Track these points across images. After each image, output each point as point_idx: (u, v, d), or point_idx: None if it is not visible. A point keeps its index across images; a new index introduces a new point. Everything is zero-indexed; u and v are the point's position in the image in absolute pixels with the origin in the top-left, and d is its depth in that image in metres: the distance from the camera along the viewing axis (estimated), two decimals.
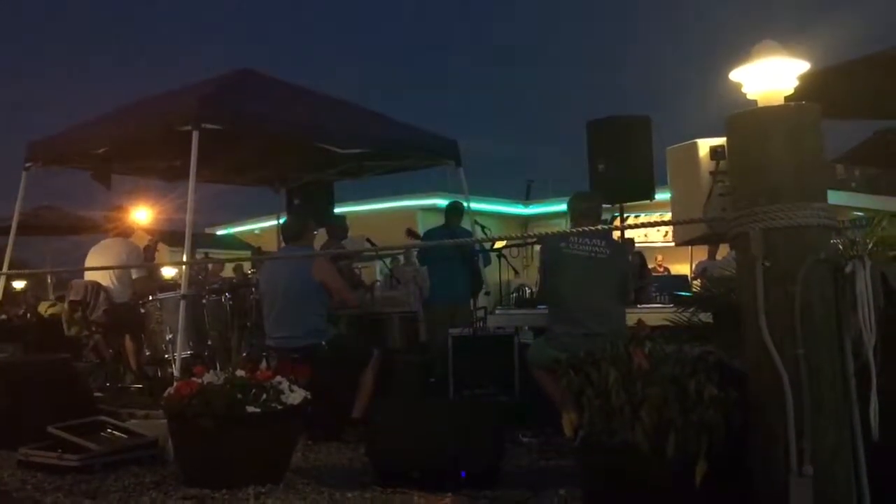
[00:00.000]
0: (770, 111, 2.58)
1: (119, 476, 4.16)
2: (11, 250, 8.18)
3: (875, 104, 6.11)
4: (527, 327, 6.20)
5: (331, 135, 6.87)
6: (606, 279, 4.80)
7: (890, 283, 2.61)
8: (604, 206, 5.82)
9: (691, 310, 3.79)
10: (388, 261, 10.14)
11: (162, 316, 6.55)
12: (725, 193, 2.96)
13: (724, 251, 10.29)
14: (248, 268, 9.36)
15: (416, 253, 9.79)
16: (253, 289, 6.75)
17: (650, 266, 12.71)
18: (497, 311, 6.25)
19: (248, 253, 17.11)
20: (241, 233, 26.06)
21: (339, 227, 8.14)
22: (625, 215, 7.46)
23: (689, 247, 11.23)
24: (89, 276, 6.76)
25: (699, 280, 9.16)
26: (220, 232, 26.94)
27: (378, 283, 9.25)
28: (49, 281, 13.84)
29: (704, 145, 3.24)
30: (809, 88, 2.77)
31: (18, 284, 14.27)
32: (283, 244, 5.93)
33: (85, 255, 7.20)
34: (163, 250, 16.96)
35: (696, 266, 11.90)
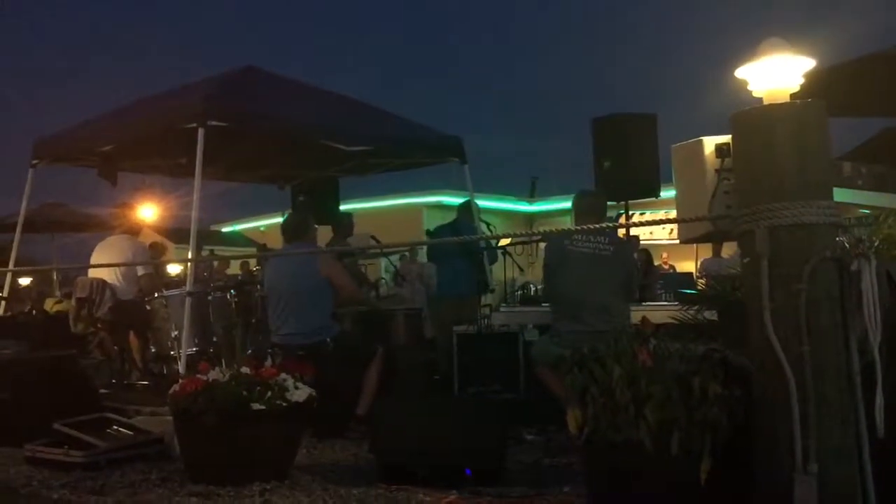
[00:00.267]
0: (776, 109, 2.57)
1: (125, 472, 4.17)
2: (17, 247, 8.21)
3: (882, 101, 6.09)
4: (531, 325, 6.20)
5: (336, 132, 6.88)
6: (610, 276, 4.80)
7: None
8: (609, 203, 5.82)
9: (696, 307, 3.79)
10: (392, 258, 10.14)
11: (167, 313, 6.56)
12: (731, 191, 2.96)
13: (728, 249, 10.27)
14: (253, 265, 9.37)
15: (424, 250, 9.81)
16: (258, 286, 6.77)
17: (655, 264, 12.71)
18: (502, 309, 6.25)
19: (253, 250, 17.14)
20: (247, 230, 26.10)
21: (345, 223, 8.15)
22: (630, 213, 7.44)
23: (695, 244, 11.21)
24: (95, 273, 6.78)
25: (704, 278, 9.14)
26: (225, 229, 26.99)
27: (383, 281, 9.27)
28: (55, 278, 13.87)
29: (710, 143, 3.24)
30: (815, 86, 2.77)
31: (24, 281, 14.32)
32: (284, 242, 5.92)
33: (91, 253, 7.22)
34: (168, 247, 17.01)
35: (701, 264, 11.89)
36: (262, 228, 23.41)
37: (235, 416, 3.87)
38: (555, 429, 4.83)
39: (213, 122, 5.83)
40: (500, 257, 7.91)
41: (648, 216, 11.02)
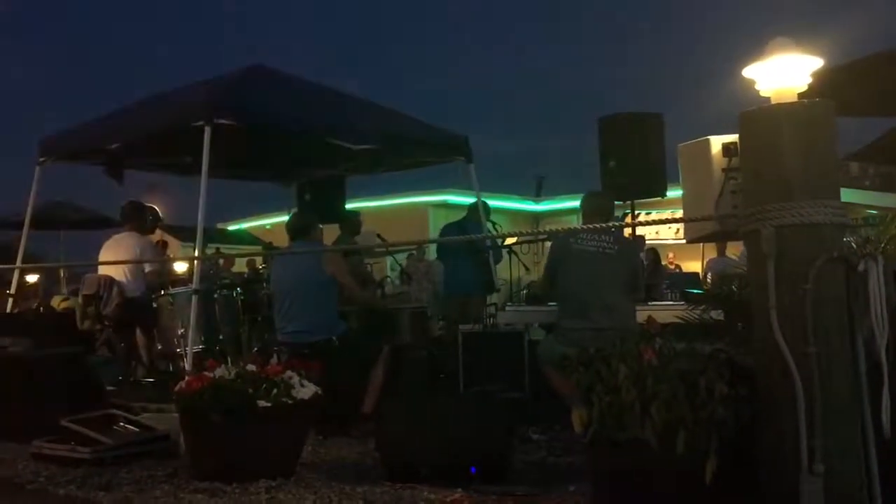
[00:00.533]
0: (783, 108, 2.57)
1: (131, 469, 4.18)
2: (25, 244, 8.24)
3: (890, 101, 6.07)
4: (537, 324, 6.20)
5: (342, 130, 6.88)
6: (614, 274, 4.81)
7: None
8: (616, 202, 5.81)
9: (702, 307, 3.78)
10: (398, 256, 10.15)
11: (174, 310, 6.58)
12: (737, 190, 2.96)
13: (733, 249, 10.25)
14: (259, 263, 9.39)
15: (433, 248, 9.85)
16: (264, 284, 6.78)
17: (662, 263, 12.69)
18: (507, 308, 6.24)
19: (259, 248, 17.16)
20: (253, 228, 26.15)
21: (353, 222, 8.16)
22: (636, 212, 7.43)
23: (701, 244, 11.19)
24: (102, 270, 6.79)
25: (710, 277, 9.12)
26: (231, 227, 27.03)
27: (388, 279, 9.27)
28: (62, 275, 13.90)
29: (717, 142, 3.24)
30: (823, 85, 2.77)
31: (32, 278, 14.36)
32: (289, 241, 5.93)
33: (97, 250, 7.24)
34: (175, 245, 17.04)
35: (707, 264, 11.87)
36: (267, 226, 23.44)
37: (241, 414, 3.88)
38: (560, 428, 4.83)
39: (220, 121, 5.84)
40: (506, 256, 7.92)
41: (654, 216, 11.00)
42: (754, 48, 2.68)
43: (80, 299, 6.83)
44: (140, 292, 6.73)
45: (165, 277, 7.41)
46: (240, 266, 12.28)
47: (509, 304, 6.50)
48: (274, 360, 4.53)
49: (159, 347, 6.86)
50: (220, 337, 6.52)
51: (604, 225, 4.85)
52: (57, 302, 9.75)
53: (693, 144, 3.40)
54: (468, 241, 7.61)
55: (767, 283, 2.41)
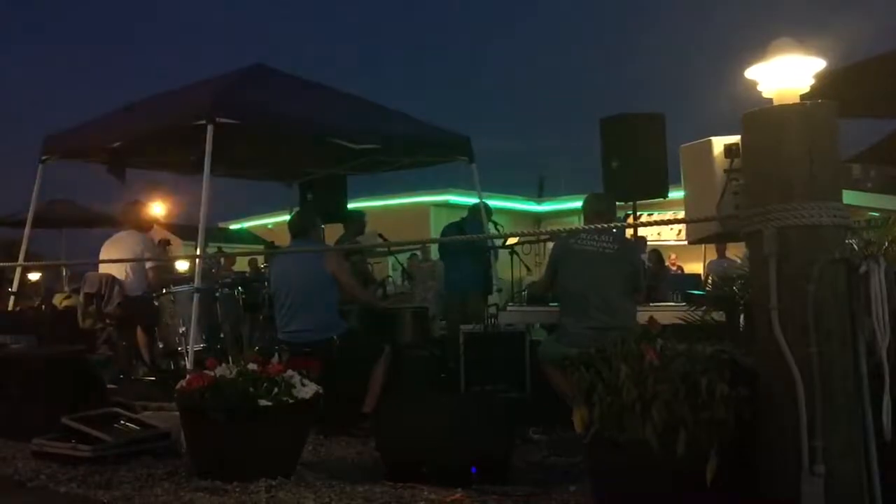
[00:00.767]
0: (785, 109, 2.57)
1: (132, 467, 4.18)
2: (27, 242, 8.25)
3: (893, 103, 6.06)
4: (538, 324, 6.20)
5: (344, 130, 6.88)
6: (615, 274, 4.83)
7: None
8: (617, 203, 5.81)
9: (703, 308, 3.78)
10: (400, 256, 10.15)
11: (175, 309, 6.58)
12: (739, 191, 2.96)
13: (734, 250, 10.23)
14: (261, 262, 9.40)
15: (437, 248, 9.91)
16: (266, 283, 6.78)
17: (665, 264, 12.69)
18: (509, 308, 6.24)
19: (261, 247, 17.17)
20: (254, 227, 26.18)
21: (356, 221, 8.17)
22: (638, 213, 7.43)
23: (702, 245, 11.19)
24: (104, 268, 6.80)
25: (710, 278, 9.09)
26: (233, 226, 27.07)
27: (390, 279, 9.28)
28: (64, 273, 13.91)
29: (719, 143, 3.24)
30: (825, 87, 2.76)
31: (34, 276, 14.37)
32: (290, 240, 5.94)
33: (99, 248, 7.25)
34: (176, 244, 17.05)
35: (708, 265, 11.87)
36: (269, 226, 23.47)
37: (242, 413, 3.88)
38: (561, 428, 4.83)
39: (222, 119, 5.84)
40: (508, 257, 7.93)
41: (656, 217, 11.01)
42: (757, 49, 2.68)
43: (81, 298, 6.83)
44: (141, 291, 6.74)
45: (167, 276, 7.42)
46: (241, 265, 12.29)
47: (511, 304, 6.50)
48: (275, 359, 4.53)
49: (160, 346, 6.86)
50: (222, 336, 6.52)
51: (605, 225, 4.87)
52: (59, 300, 9.75)
53: (695, 145, 3.40)
54: (467, 242, 7.63)
55: (769, 284, 2.41)
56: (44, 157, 7.59)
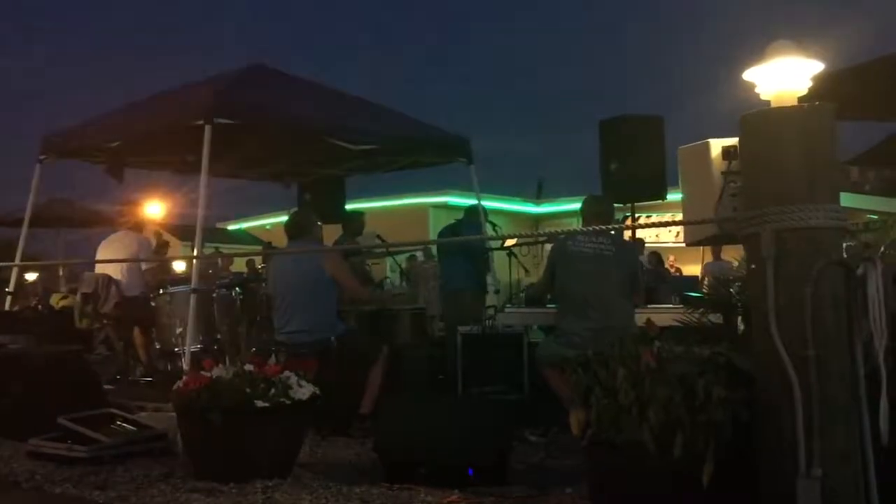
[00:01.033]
0: (783, 112, 2.57)
1: (128, 468, 4.17)
2: (24, 242, 8.24)
3: (890, 106, 6.07)
4: (536, 326, 6.20)
5: (343, 130, 6.88)
6: (612, 275, 4.84)
7: None
8: (615, 205, 5.82)
9: (701, 310, 3.77)
10: (398, 257, 10.16)
11: (172, 309, 6.58)
12: (737, 193, 2.95)
13: (733, 253, 10.23)
14: (258, 263, 9.40)
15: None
16: (263, 283, 6.78)
17: (665, 266, 12.70)
18: (507, 310, 6.24)
19: (258, 248, 17.16)
20: (252, 228, 26.16)
21: (355, 222, 8.17)
22: (636, 215, 7.43)
23: (701, 247, 11.20)
24: (101, 268, 6.80)
25: (706, 280, 9.10)
26: (231, 227, 27.05)
27: (388, 280, 9.28)
28: (61, 273, 13.91)
29: (717, 145, 3.23)
30: (824, 89, 2.76)
31: (31, 276, 14.36)
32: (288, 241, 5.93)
33: (97, 248, 7.24)
34: (174, 244, 17.04)
35: (703, 267, 11.89)
36: (267, 226, 23.45)
37: (239, 414, 3.87)
38: (558, 429, 4.83)
39: (221, 120, 5.84)
40: (506, 258, 7.94)
41: (655, 218, 11.02)
42: (756, 51, 2.67)
43: (78, 298, 6.83)
44: (138, 291, 6.74)
45: (164, 276, 7.42)
46: (239, 266, 12.29)
47: (509, 305, 6.50)
48: (272, 359, 4.53)
49: (157, 346, 6.86)
50: (219, 336, 6.52)
51: (603, 227, 4.88)
52: (56, 300, 9.75)
53: (693, 147, 3.40)
54: (462, 243, 7.65)
55: (766, 286, 2.40)
56: (42, 157, 7.58)
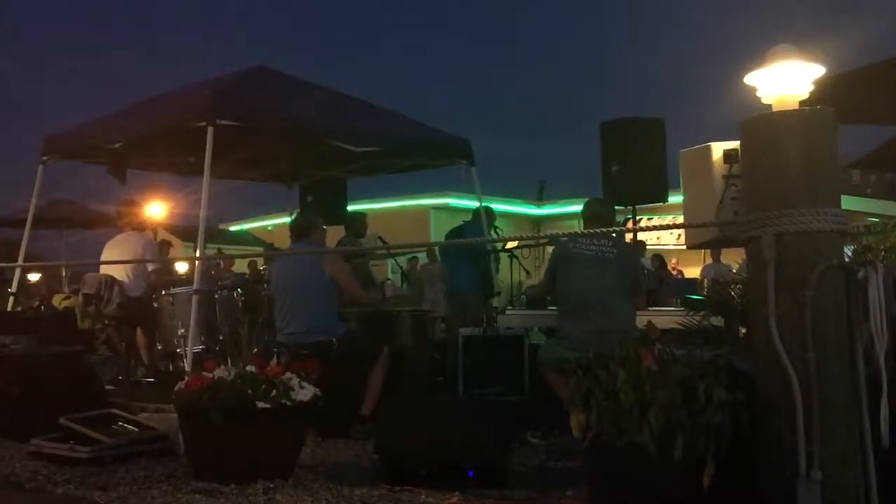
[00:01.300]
0: (784, 115, 2.57)
1: (129, 469, 4.18)
2: (27, 243, 8.25)
3: (892, 109, 6.06)
4: (537, 328, 6.20)
5: (345, 132, 6.89)
6: (613, 277, 4.84)
7: None
8: (616, 208, 5.82)
9: (702, 313, 3.78)
10: (399, 259, 10.17)
11: (174, 310, 6.58)
12: (738, 197, 2.96)
13: (734, 255, 10.25)
14: (261, 264, 9.41)
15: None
16: (265, 284, 6.78)
17: (667, 269, 12.72)
18: (508, 312, 6.25)
19: (260, 249, 17.18)
20: (255, 229, 26.19)
21: (358, 223, 8.18)
22: (637, 218, 7.44)
23: (702, 250, 11.21)
24: (103, 269, 6.80)
25: (705, 283, 9.11)
26: (233, 228, 27.08)
27: (389, 281, 9.28)
28: (63, 274, 13.91)
29: (718, 149, 3.24)
30: (825, 93, 2.76)
31: (34, 277, 14.37)
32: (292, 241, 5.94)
33: (99, 249, 7.25)
34: (176, 245, 17.06)
35: (702, 270, 11.90)
36: (269, 228, 23.48)
37: (240, 415, 3.88)
38: (559, 432, 4.83)
39: (223, 121, 5.85)
40: (506, 260, 7.95)
41: (656, 221, 11.04)
42: (757, 54, 2.68)
43: (80, 298, 6.84)
44: (141, 292, 6.74)
45: (168, 277, 7.43)
46: (241, 266, 12.30)
47: (509, 307, 6.50)
48: (274, 361, 4.53)
49: (159, 347, 6.86)
50: (221, 337, 6.52)
51: (604, 230, 4.88)
52: (58, 301, 9.75)
53: (694, 150, 3.41)
54: (467, 246, 7.68)
55: (767, 289, 2.41)
56: (44, 158, 7.59)
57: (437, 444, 3.99)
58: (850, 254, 2.70)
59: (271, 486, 3.80)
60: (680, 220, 3.50)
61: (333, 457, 4.73)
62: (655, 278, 9.49)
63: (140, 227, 7.10)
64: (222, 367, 4.16)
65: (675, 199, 5.22)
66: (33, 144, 7.78)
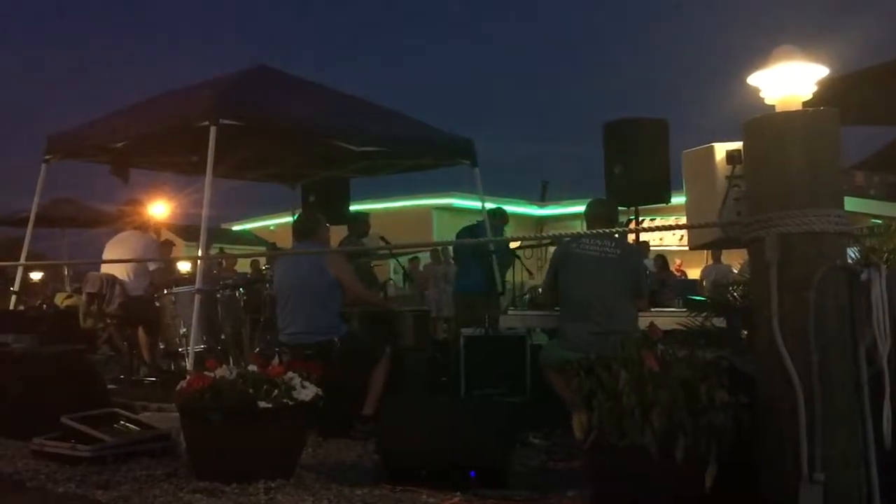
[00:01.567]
0: (788, 116, 2.57)
1: (131, 468, 4.18)
2: (29, 242, 8.26)
3: (895, 111, 6.06)
4: (539, 329, 6.20)
5: (347, 132, 6.89)
6: (615, 278, 4.83)
7: None
8: (619, 208, 5.82)
9: (704, 314, 3.77)
10: (401, 259, 10.17)
11: (176, 310, 6.59)
12: (741, 198, 2.95)
13: (735, 256, 10.25)
14: (263, 263, 9.42)
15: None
16: (267, 284, 6.78)
17: (670, 269, 12.71)
18: (510, 312, 6.24)
19: (263, 248, 17.18)
20: (257, 228, 26.21)
21: (360, 223, 8.19)
22: (640, 218, 7.43)
23: (705, 251, 11.21)
24: (105, 268, 6.81)
25: (705, 284, 9.11)
26: (235, 227, 27.11)
27: (391, 281, 9.29)
28: (66, 273, 13.94)
29: (721, 149, 3.23)
30: (828, 94, 2.76)
31: (36, 276, 14.40)
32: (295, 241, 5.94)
33: (101, 248, 7.26)
34: (178, 245, 17.07)
35: (702, 271, 11.90)
36: (271, 227, 23.50)
37: (242, 414, 3.88)
38: (560, 432, 4.82)
39: (225, 121, 5.86)
40: (509, 260, 7.96)
41: (659, 222, 11.06)
42: (760, 55, 2.67)
43: (83, 297, 6.85)
44: (142, 291, 6.74)
45: (170, 276, 7.44)
46: (243, 266, 12.32)
47: (511, 308, 6.50)
48: (275, 360, 4.53)
49: (161, 346, 6.87)
50: (223, 337, 6.53)
51: (607, 230, 4.87)
52: (60, 300, 9.77)
53: (697, 151, 3.40)
54: (477, 245, 7.70)
55: (770, 290, 2.40)
56: (47, 157, 7.60)
57: (438, 444, 3.99)
58: (854, 256, 2.69)
59: (273, 485, 3.80)
60: (682, 220, 3.49)
61: (335, 457, 4.73)
62: (656, 279, 9.49)
63: (142, 227, 7.11)
64: (224, 366, 4.16)
65: (678, 199, 5.21)
66: (34, 144, 7.80)
